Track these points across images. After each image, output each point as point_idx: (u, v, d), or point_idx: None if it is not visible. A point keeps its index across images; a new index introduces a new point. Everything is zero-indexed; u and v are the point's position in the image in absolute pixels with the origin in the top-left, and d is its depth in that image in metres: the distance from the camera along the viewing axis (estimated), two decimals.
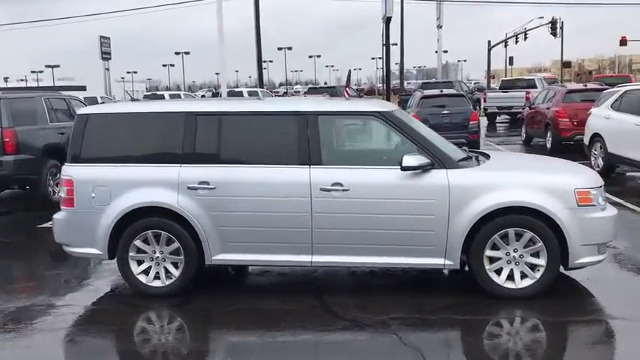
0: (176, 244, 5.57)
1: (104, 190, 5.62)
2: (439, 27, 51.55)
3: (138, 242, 5.63)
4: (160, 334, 5.02)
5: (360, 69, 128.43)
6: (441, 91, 17.27)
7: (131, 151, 5.72)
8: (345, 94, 17.69)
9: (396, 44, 75.79)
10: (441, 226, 5.26)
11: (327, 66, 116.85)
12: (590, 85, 17.30)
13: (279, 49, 77.06)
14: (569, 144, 14.75)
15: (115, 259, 5.72)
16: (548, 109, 15.71)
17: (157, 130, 5.75)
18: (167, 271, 5.66)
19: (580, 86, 17.43)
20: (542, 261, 5.23)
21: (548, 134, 15.51)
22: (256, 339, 4.73)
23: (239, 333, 4.86)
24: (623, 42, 53.33)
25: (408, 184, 5.28)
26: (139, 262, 5.69)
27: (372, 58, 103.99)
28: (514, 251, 5.26)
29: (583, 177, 5.41)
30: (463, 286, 5.65)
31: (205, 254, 5.57)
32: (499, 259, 5.29)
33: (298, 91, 64.58)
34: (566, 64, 50.29)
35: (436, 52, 56.02)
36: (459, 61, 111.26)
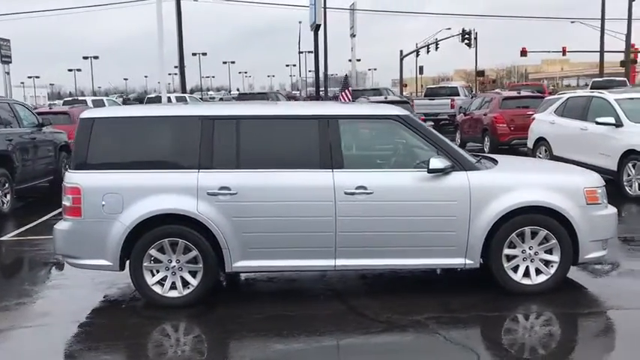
0: (194, 252, 5.40)
1: (116, 197, 5.36)
2: (353, 35, 52.68)
3: (153, 251, 5.41)
4: (194, 347, 4.85)
5: (273, 76, 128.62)
6: (368, 99, 17.54)
7: (144, 156, 5.49)
8: (341, 98, 17.67)
9: (311, 52, 76.92)
10: (462, 226, 5.42)
11: (240, 72, 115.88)
12: (523, 93, 18.35)
13: (194, 54, 75.77)
14: (504, 148, 15.54)
15: (126, 270, 5.46)
16: (485, 115, 16.48)
17: (171, 134, 5.56)
18: (184, 280, 5.47)
19: (514, 93, 18.43)
20: (555, 257, 5.51)
21: (486, 139, 16.25)
22: (303, 345, 4.70)
23: (282, 340, 4.77)
24: (524, 53, 56.69)
25: (431, 187, 5.41)
26: (154, 273, 5.46)
27: (287, 65, 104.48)
28: (529, 249, 5.51)
29: (589, 177, 5.75)
30: (474, 283, 5.85)
31: (225, 261, 5.43)
32: (515, 256, 5.52)
33: (213, 97, 63.77)
34: (479, 73, 52.91)
35: (350, 60, 57.25)
36: (369, 69, 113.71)
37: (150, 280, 5.44)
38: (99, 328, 5.19)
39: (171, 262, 5.44)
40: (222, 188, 5.36)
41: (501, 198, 5.42)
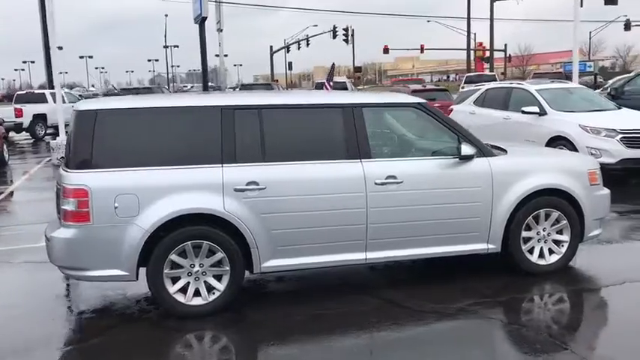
0: (220, 255, 4.96)
1: (130, 198, 4.78)
2: (219, 30, 51.75)
3: (174, 256, 4.89)
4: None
5: (132, 71, 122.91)
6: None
7: (159, 151, 4.94)
8: (325, 88, 17.00)
9: (177, 46, 74.51)
10: (485, 212, 5.50)
11: (96, 68, 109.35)
12: (429, 86, 19.05)
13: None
14: None
15: (143, 280, 4.90)
16: None
17: (189, 126, 5.04)
18: (208, 286, 5.02)
19: (420, 87, 19.07)
20: (566, 237, 5.77)
21: None
22: (364, 341, 4.52)
23: (339, 339, 4.54)
24: (386, 50, 59.25)
25: (457, 173, 5.42)
26: (174, 280, 4.95)
27: (149, 60, 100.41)
28: (543, 230, 5.72)
29: (590, 160, 6.09)
30: (485, 269, 5.94)
31: (254, 262, 5.06)
32: (531, 238, 5.71)
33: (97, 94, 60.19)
34: (357, 69, 54.35)
35: (217, 55, 56.17)
36: (235, 65, 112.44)
37: (171, 288, 4.93)
38: (123, 344, 4.61)
39: (193, 266, 4.96)
40: (249, 183, 4.97)
41: (520, 182, 5.56)
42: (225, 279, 5.01)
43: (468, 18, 36.63)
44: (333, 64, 20.55)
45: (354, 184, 5.18)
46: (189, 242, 4.90)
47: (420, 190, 5.32)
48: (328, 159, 5.21)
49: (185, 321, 4.89)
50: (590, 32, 65.92)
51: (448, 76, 79.62)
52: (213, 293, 5.01)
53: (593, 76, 32.51)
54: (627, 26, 52.48)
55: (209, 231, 4.93)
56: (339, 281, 5.83)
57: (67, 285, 5.92)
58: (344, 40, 43.39)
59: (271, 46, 58.20)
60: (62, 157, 5.39)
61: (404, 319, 4.83)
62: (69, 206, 4.78)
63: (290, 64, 66.75)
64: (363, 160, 5.23)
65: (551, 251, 5.77)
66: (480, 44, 63.71)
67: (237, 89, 29.39)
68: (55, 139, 15.80)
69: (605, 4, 34.99)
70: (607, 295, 5.37)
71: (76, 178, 4.78)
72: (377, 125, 5.70)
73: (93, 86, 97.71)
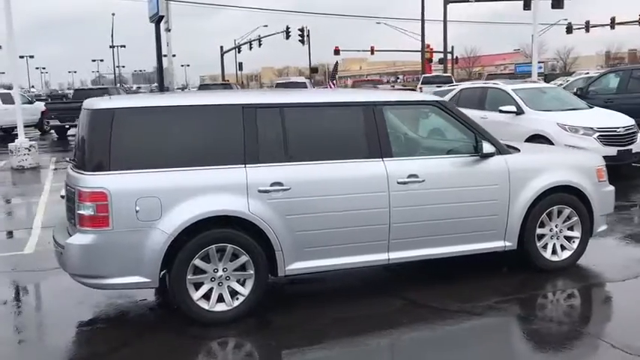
0: (244, 258, 4.79)
1: (152, 201, 4.55)
2: (168, 30, 50.83)
3: (197, 261, 4.69)
4: None
5: (75, 72, 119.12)
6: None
7: (180, 151, 4.73)
8: (329, 86, 16.63)
9: (124, 46, 72.64)
10: (503, 209, 5.51)
11: (37, 68, 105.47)
12: (396, 86, 18.99)
13: None
14: None
15: (164, 286, 4.69)
16: None
17: (209, 126, 4.85)
18: (232, 291, 4.84)
19: (389, 87, 19.00)
20: (577, 233, 5.85)
21: None
22: (401, 342, 4.48)
23: (373, 340, 4.47)
24: (337, 51, 59.47)
25: (476, 171, 5.41)
26: (197, 286, 4.75)
27: (93, 60, 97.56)
28: (555, 227, 5.78)
29: (597, 157, 6.18)
30: (495, 266, 5.96)
31: (278, 265, 4.91)
32: (544, 235, 5.76)
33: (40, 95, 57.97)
34: (313, 70, 54.33)
35: (165, 55, 55.12)
36: (182, 65, 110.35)
37: (194, 294, 4.72)
38: (150, 353, 4.38)
39: (217, 271, 4.77)
40: (273, 184, 4.82)
41: (535, 179, 5.60)
42: (249, 283, 4.85)
43: (422, 20, 37.21)
44: (337, 62, 20.48)
45: (376, 183, 5.10)
46: (213, 246, 4.71)
47: (441, 189, 5.29)
48: (350, 158, 5.12)
49: (209, 328, 4.70)
50: (533, 35, 67.91)
51: (397, 78, 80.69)
52: (237, 298, 4.83)
53: (543, 77, 33.50)
54: (569, 29, 54.34)
55: (233, 234, 4.76)
56: (359, 283, 5.73)
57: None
58: (299, 40, 43.30)
59: (222, 47, 57.55)
60: (73, 159, 5.08)
61: (433, 319, 4.79)
62: (86, 211, 4.51)
63: (240, 64, 66.19)
64: (384, 158, 5.16)
65: (563, 247, 5.84)
66: (428, 46, 64.82)
67: (187, 90, 28.69)
68: (13, 142, 15.07)
69: (552, 7, 36.10)
70: (625, 288, 5.45)
71: (94, 181, 4.52)
72: (396, 123, 5.64)
73: (33, 87, 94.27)
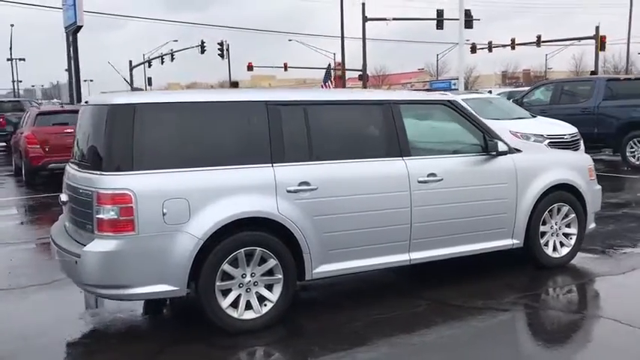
0: (272, 262, 4.55)
1: (180, 203, 4.24)
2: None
3: (226, 266, 4.41)
4: None
5: None
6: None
7: (205, 150, 4.46)
8: (324, 87, 15.80)
9: (22, 59, 68.55)
10: (511, 207, 5.59)
11: None
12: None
13: None
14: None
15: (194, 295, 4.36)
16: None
17: (234, 123, 4.61)
18: (260, 297, 4.58)
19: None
20: (574, 230, 6.03)
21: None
22: (440, 340, 4.42)
23: (412, 339, 4.41)
24: (250, 67, 59.35)
25: (489, 170, 5.47)
26: (224, 293, 4.45)
27: None
28: (555, 224, 5.94)
29: (587, 157, 6.42)
30: (497, 264, 6.03)
31: (306, 268, 4.70)
32: (545, 233, 5.90)
33: None
34: (234, 85, 53.46)
35: (66, 70, 52.76)
36: (85, 80, 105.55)
37: (223, 302, 4.43)
38: None
39: (245, 276, 4.50)
40: (301, 184, 4.63)
41: (539, 178, 5.74)
42: (278, 289, 4.61)
43: (342, 37, 37.90)
44: (330, 64, 20.17)
45: (399, 182, 5.03)
46: (242, 250, 4.45)
47: (458, 188, 5.30)
48: (372, 157, 5.02)
49: (238, 337, 4.41)
50: (438, 55, 70.82)
51: None
52: (265, 305, 4.58)
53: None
54: (473, 49, 57.07)
55: (263, 236, 4.51)
56: (368, 285, 5.61)
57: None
58: (219, 54, 42.71)
59: (130, 61, 55.87)
60: (79, 159, 4.67)
61: (464, 317, 4.77)
62: (107, 214, 4.13)
63: (150, 79, 64.43)
64: (404, 157, 5.10)
65: (562, 244, 6.01)
66: (339, 64, 66.01)
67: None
68: None
69: (464, 27, 37.80)
70: (624, 279, 5.67)
71: (117, 182, 4.15)
72: (410, 123, 5.60)
73: None
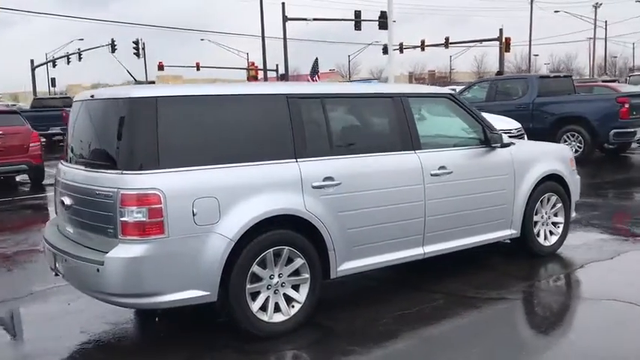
0: (299, 261, 4.38)
1: (210, 202, 3.98)
2: None
3: (256, 267, 4.19)
4: None
5: None
6: None
7: (230, 145, 4.21)
8: (314, 81, 14.70)
9: None
10: (510, 198, 5.70)
11: None
12: None
13: None
14: None
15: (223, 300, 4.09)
16: None
17: (258, 116, 4.39)
18: (287, 298, 4.38)
19: None
20: (561, 219, 6.24)
21: None
22: (473, 330, 4.46)
23: (456, 324, 4.49)
24: (161, 67, 57.75)
25: (491, 162, 5.54)
26: (254, 295, 4.23)
27: None
28: (545, 214, 6.12)
29: (568, 148, 6.66)
30: (487, 255, 6.14)
31: (331, 266, 4.56)
32: (537, 222, 6.06)
33: None
34: (150, 83, 51.65)
35: None
36: None
37: (253, 306, 4.20)
38: None
39: (272, 277, 4.30)
40: (326, 179, 4.49)
41: (532, 169, 5.88)
42: (304, 289, 4.44)
43: (263, 37, 37.55)
44: (317, 58, 19.47)
45: (414, 175, 4.99)
46: (271, 249, 4.24)
47: (466, 180, 5.33)
48: (389, 150, 4.95)
49: (268, 342, 4.20)
50: (349, 55, 71.89)
51: None
52: (293, 306, 4.40)
53: None
54: (385, 50, 58.34)
55: (290, 235, 4.33)
56: (375, 282, 5.52)
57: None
58: (135, 53, 41.06)
59: (32, 60, 52.70)
60: (86, 158, 4.28)
61: (483, 307, 4.83)
62: (134, 217, 3.80)
63: (53, 80, 61.20)
64: (416, 151, 5.07)
65: (551, 233, 6.20)
66: (252, 64, 65.57)
67: None
68: None
69: (380, 28, 38.64)
70: (613, 264, 5.92)
71: (143, 181, 3.83)
72: (416, 116, 5.57)
73: None
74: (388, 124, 5.08)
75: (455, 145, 5.50)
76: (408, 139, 5.05)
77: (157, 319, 4.68)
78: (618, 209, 8.88)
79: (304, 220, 4.37)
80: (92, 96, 4.35)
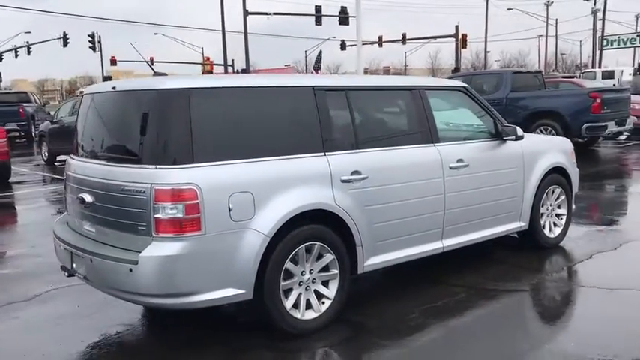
0: (329, 257, 4.29)
1: (245, 197, 3.85)
2: None
3: (289, 264, 4.08)
4: None
5: None
6: None
7: (262, 139, 4.08)
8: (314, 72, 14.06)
9: None
10: (520, 191, 5.74)
11: None
12: None
13: None
14: None
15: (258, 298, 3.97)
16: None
17: (287, 109, 4.28)
18: (318, 294, 4.29)
19: None
20: (564, 211, 6.33)
21: None
22: (513, 313, 4.53)
23: (485, 314, 4.58)
24: (113, 62, 56.46)
25: (504, 155, 5.56)
26: (286, 293, 4.12)
27: None
28: (550, 206, 6.19)
29: (568, 141, 6.74)
30: (490, 247, 6.17)
31: (358, 262, 4.49)
32: (543, 214, 6.13)
33: None
34: (107, 79, 50.16)
35: None
36: None
37: (287, 303, 4.09)
38: None
39: (304, 274, 4.20)
40: (354, 173, 4.41)
41: (539, 162, 5.93)
42: (334, 285, 4.35)
43: (223, 32, 36.97)
44: (320, 51, 19.10)
45: (434, 169, 4.96)
46: (303, 245, 4.14)
47: (481, 173, 5.33)
48: (409, 144, 4.91)
49: (301, 339, 4.11)
50: (306, 51, 71.74)
51: None
52: (323, 303, 4.31)
53: None
54: (343, 46, 58.49)
55: (322, 230, 4.24)
56: (387, 279, 5.47)
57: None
58: (90, 47, 39.81)
59: None
60: (107, 152, 4.09)
61: (504, 299, 4.92)
62: (168, 213, 3.64)
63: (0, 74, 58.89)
64: (435, 144, 5.04)
65: (555, 225, 6.28)
66: (208, 59, 64.74)
67: None
68: None
69: (340, 24, 38.62)
70: (618, 254, 6.04)
71: (179, 176, 3.67)
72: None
73: None
74: (409, 117, 5.04)
75: (469, 139, 5.50)
76: (428, 133, 5.02)
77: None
78: (603, 201, 9.11)
79: (334, 215, 4.28)
80: (114, 87, 4.15)
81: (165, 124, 3.75)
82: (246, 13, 34.45)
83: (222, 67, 52.34)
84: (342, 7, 38.85)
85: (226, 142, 3.91)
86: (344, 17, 38.39)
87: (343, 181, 4.34)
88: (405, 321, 4.41)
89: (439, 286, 5.15)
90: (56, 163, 15.80)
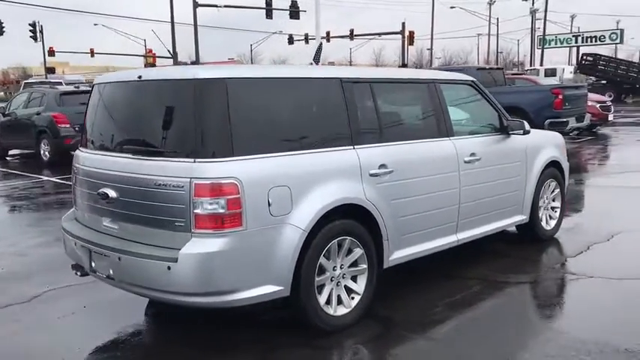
0: (358, 252, 4.23)
1: (284, 191, 3.75)
2: None
3: (322, 259, 4.00)
4: None
5: None
6: None
7: (297, 131, 3.99)
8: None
9: None
10: (522, 184, 5.84)
11: None
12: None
13: None
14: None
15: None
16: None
17: (318, 101, 4.18)
18: (348, 290, 4.22)
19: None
20: (558, 203, 6.48)
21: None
22: (533, 304, 4.56)
23: (506, 305, 4.66)
24: (51, 52, 54.35)
25: (510, 148, 5.64)
26: (319, 288, 4.03)
27: None
28: (546, 199, 6.33)
29: (560, 135, 6.89)
30: (494, 243, 6.26)
31: (384, 256, 4.45)
32: (540, 207, 6.25)
33: None
34: (50, 70, 47.89)
35: None
36: None
37: (320, 299, 4.01)
38: None
39: (335, 269, 4.13)
40: (381, 166, 4.36)
41: (539, 156, 6.05)
42: (362, 280, 4.30)
43: (172, 23, 36.06)
44: (321, 43, 18.40)
45: (451, 162, 4.98)
46: (335, 240, 4.06)
47: (492, 167, 5.38)
48: (428, 137, 4.90)
49: (334, 336, 4.03)
50: (252, 44, 71.08)
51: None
52: (352, 298, 4.25)
53: None
54: (290, 40, 58.27)
55: (352, 225, 4.17)
56: (416, 271, 5.39)
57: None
58: (31, 37, 38.02)
59: None
60: (133, 144, 3.89)
61: (518, 291, 5.01)
62: (208, 209, 3.50)
63: None
64: (450, 137, 5.06)
65: (550, 217, 6.42)
66: (150, 51, 63.22)
67: None
68: None
69: (291, 18, 38.48)
70: (614, 245, 6.21)
71: (220, 170, 3.53)
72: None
73: None
74: (427, 110, 5.02)
75: (479, 132, 5.53)
76: (444, 126, 5.03)
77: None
78: (582, 193, 9.40)
79: (363, 209, 4.22)
80: (140, 77, 3.94)
81: (204, 115, 3.58)
82: (195, 4, 33.77)
83: (171, 59, 51.27)
84: (292, 0, 38.74)
85: (263, 134, 3.78)
86: (294, 11, 38.30)
87: (371, 175, 4.28)
88: (429, 315, 4.41)
89: (454, 279, 5.17)
90: (8, 158, 15.07)
